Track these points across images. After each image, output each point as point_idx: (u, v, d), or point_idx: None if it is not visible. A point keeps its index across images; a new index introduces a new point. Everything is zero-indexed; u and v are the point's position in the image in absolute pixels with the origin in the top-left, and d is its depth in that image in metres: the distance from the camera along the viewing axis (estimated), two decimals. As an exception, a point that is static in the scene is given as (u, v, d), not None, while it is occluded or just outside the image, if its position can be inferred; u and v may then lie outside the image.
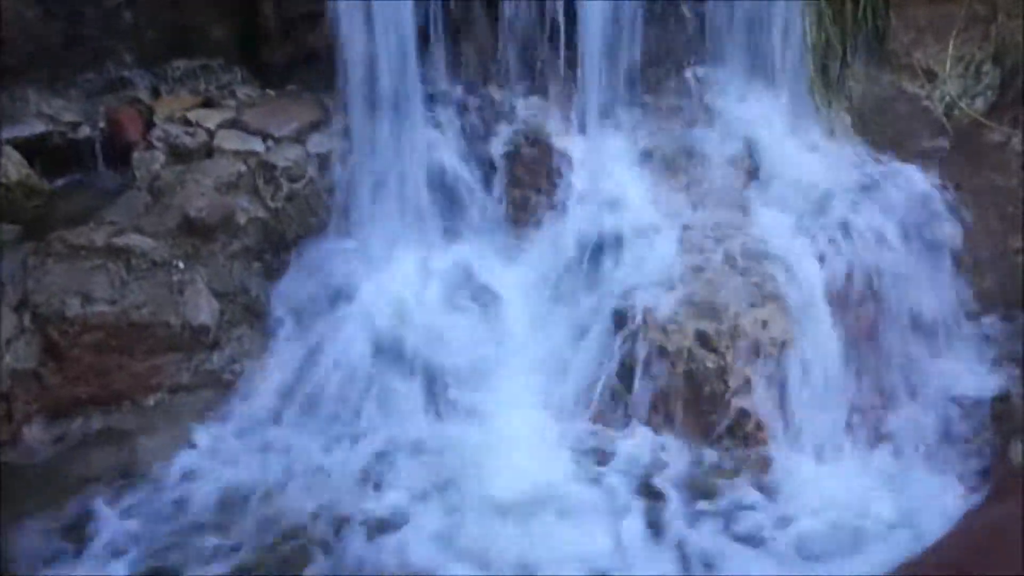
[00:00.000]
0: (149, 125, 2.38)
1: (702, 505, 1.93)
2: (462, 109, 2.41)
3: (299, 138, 2.38)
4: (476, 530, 1.87)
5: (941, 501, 1.91)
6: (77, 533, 1.88)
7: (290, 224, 2.33)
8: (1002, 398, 2.06)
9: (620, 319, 2.12)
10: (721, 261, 2.20)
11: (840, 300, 2.17)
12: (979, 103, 2.53)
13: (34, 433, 2.08)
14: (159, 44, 2.52)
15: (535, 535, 1.86)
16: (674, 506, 1.92)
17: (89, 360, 2.11)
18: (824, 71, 2.45)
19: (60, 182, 2.39)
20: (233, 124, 2.40)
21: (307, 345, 2.21)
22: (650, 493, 1.95)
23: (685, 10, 2.42)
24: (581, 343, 2.16)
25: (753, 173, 2.38)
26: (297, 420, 2.13)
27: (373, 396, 2.14)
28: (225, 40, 2.55)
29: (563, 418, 2.10)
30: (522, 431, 2.07)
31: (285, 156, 2.34)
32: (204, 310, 2.19)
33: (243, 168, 2.32)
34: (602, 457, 2.02)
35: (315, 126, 2.41)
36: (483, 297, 2.27)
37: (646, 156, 2.38)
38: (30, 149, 2.34)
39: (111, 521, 1.90)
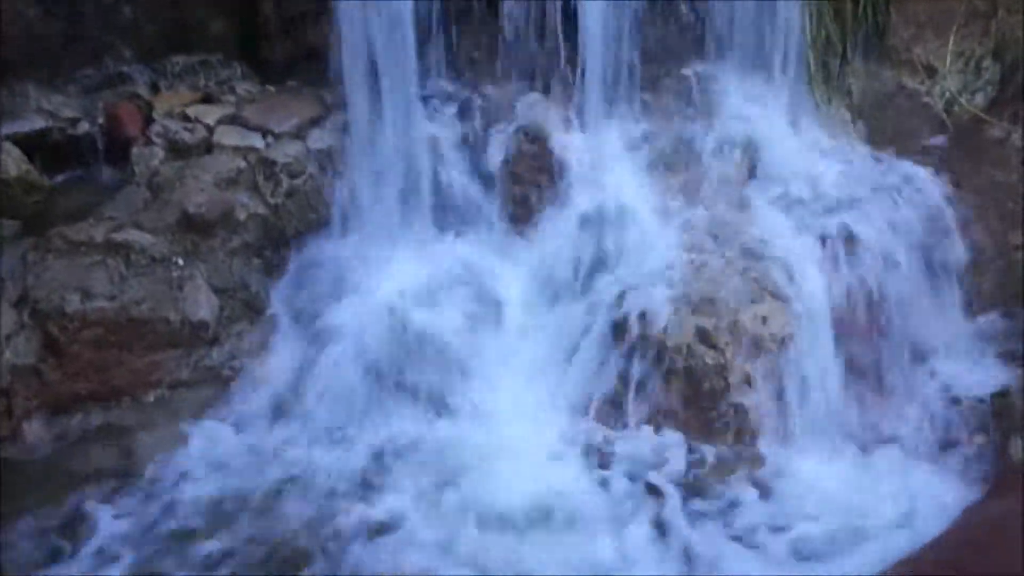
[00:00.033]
0: (148, 121, 2.38)
1: (702, 503, 1.93)
2: (462, 106, 2.41)
3: (299, 134, 2.38)
4: (475, 533, 1.86)
5: (940, 498, 1.91)
6: (72, 533, 1.88)
7: (290, 220, 2.33)
8: (1002, 395, 2.06)
9: (620, 316, 2.12)
10: (720, 258, 2.20)
11: (840, 296, 2.16)
12: (979, 99, 2.53)
13: (34, 429, 2.08)
14: (158, 40, 2.52)
15: (535, 538, 1.86)
16: (674, 504, 1.91)
17: (89, 356, 2.11)
18: (824, 67, 2.45)
19: (59, 178, 2.39)
20: (233, 120, 2.40)
21: (306, 342, 2.21)
22: (650, 492, 1.94)
23: (684, 8, 2.42)
24: (581, 340, 2.15)
25: (752, 170, 2.38)
26: (296, 418, 2.13)
27: (372, 395, 2.14)
28: (224, 36, 2.56)
29: (563, 416, 2.10)
30: (522, 431, 2.07)
31: (285, 152, 2.34)
32: (203, 306, 2.19)
33: (243, 164, 2.32)
34: (602, 456, 2.02)
35: (315, 122, 2.41)
36: (483, 294, 2.27)
37: (646, 153, 2.38)
38: (30, 145, 2.34)
39: (106, 523, 1.89)
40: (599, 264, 2.25)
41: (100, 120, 2.40)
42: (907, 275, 2.24)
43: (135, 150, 2.34)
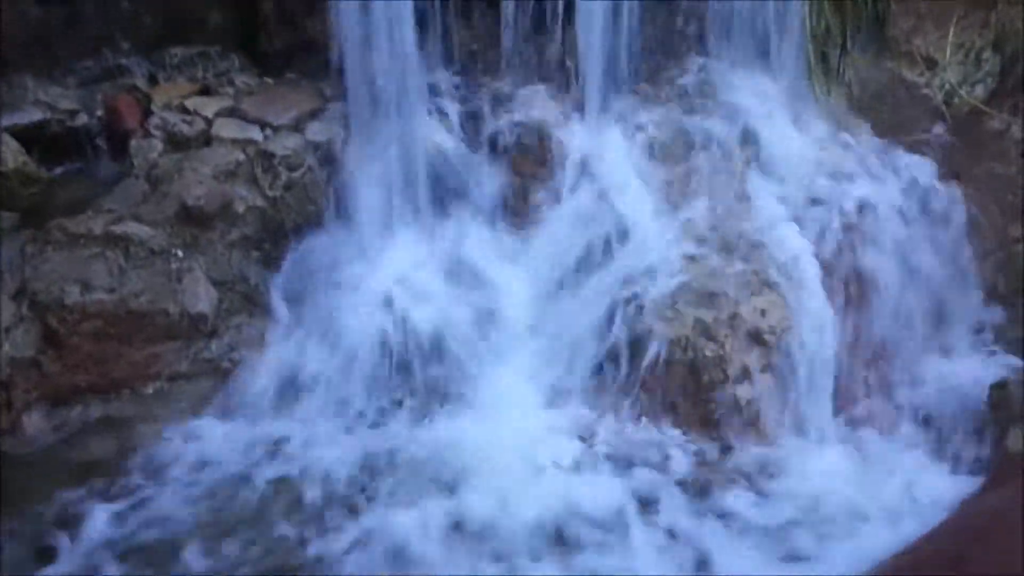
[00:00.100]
0: (147, 113, 2.37)
1: (702, 496, 1.93)
2: (461, 98, 2.41)
3: (297, 126, 2.38)
4: (474, 526, 1.85)
5: (938, 489, 1.91)
6: (63, 531, 1.85)
7: (289, 213, 2.32)
8: (1000, 386, 2.06)
9: (618, 308, 2.12)
10: (720, 249, 2.20)
11: (839, 288, 2.17)
12: (979, 90, 2.52)
13: (34, 421, 2.08)
14: (156, 31, 2.51)
15: (538, 544, 1.84)
16: (674, 497, 1.91)
17: (88, 348, 2.11)
18: (824, 59, 2.45)
19: (58, 170, 2.38)
20: (231, 112, 2.40)
21: (305, 334, 2.21)
22: (650, 485, 1.94)
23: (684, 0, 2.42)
24: (580, 332, 2.15)
25: (752, 161, 2.37)
26: (293, 413, 2.12)
27: (371, 388, 2.14)
28: (223, 27, 2.54)
29: (563, 410, 2.10)
30: (521, 428, 2.06)
31: (283, 145, 2.33)
32: (202, 298, 2.19)
33: (241, 156, 2.32)
34: (602, 451, 2.01)
35: (313, 114, 2.40)
36: (483, 287, 2.27)
37: (645, 145, 2.37)
38: (28, 137, 2.33)
39: (98, 522, 1.87)
40: (598, 257, 2.24)
41: (99, 112, 2.39)
42: (906, 267, 2.24)
43: (134, 142, 2.33)
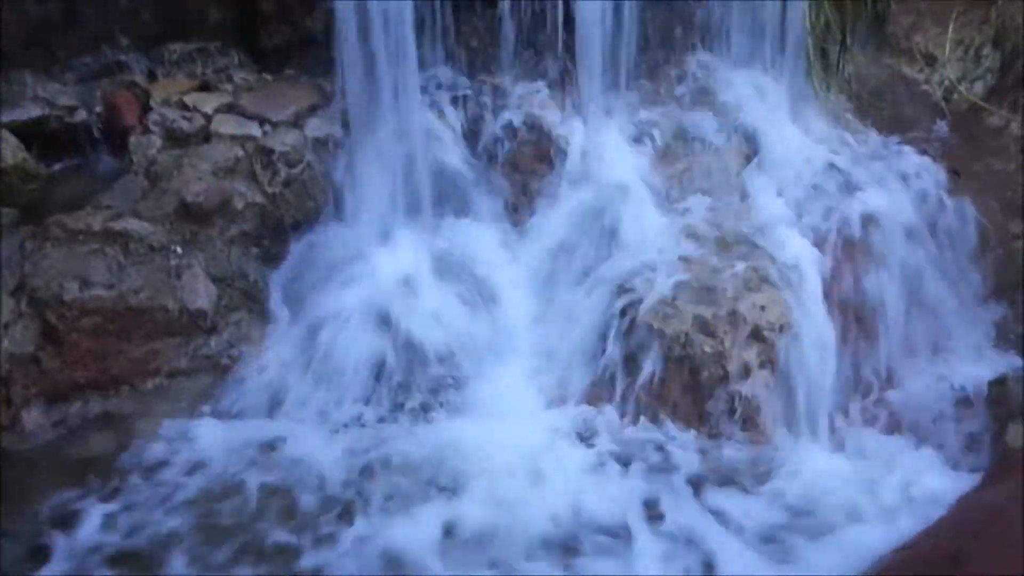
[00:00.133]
0: (146, 109, 2.37)
1: (701, 490, 1.92)
2: (460, 95, 2.41)
3: (297, 123, 2.38)
4: (472, 531, 1.83)
5: (938, 485, 1.90)
6: (58, 530, 1.84)
7: (288, 209, 2.32)
8: (999, 382, 2.06)
9: (618, 305, 2.12)
10: (719, 247, 2.20)
11: (838, 284, 2.17)
12: (978, 87, 2.53)
13: (33, 417, 2.08)
14: (155, 27, 2.50)
15: (537, 542, 1.83)
16: (674, 496, 1.91)
17: (87, 344, 2.11)
18: (823, 55, 2.45)
19: (57, 166, 2.38)
20: (230, 108, 2.39)
21: (305, 331, 2.20)
22: (651, 485, 1.93)
23: (684, -5, 2.42)
24: (579, 329, 2.15)
25: (751, 157, 2.37)
26: (291, 411, 2.11)
27: (370, 387, 2.13)
28: (222, 23, 2.54)
29: (562, 407, 2.10)
30: (520, 426, 2.05)
31: (283, 141, 2.33)
32: (202, 295, 2.19)
33: (240, 153, 2.31)
34: (603, 448, 2.00)
35: (313, 110, 2.40)
36: (481, 283, 2.27)
37: (645, 141, 2.38)
38: (27, 133, 2.33)
39: (92, 523, 1.85)
40: (598, 253, 2.24)
41: (98, 108, 2.39)
42: (905, 263, 2.24)
43: (133, 139, 2.33)
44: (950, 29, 2.48)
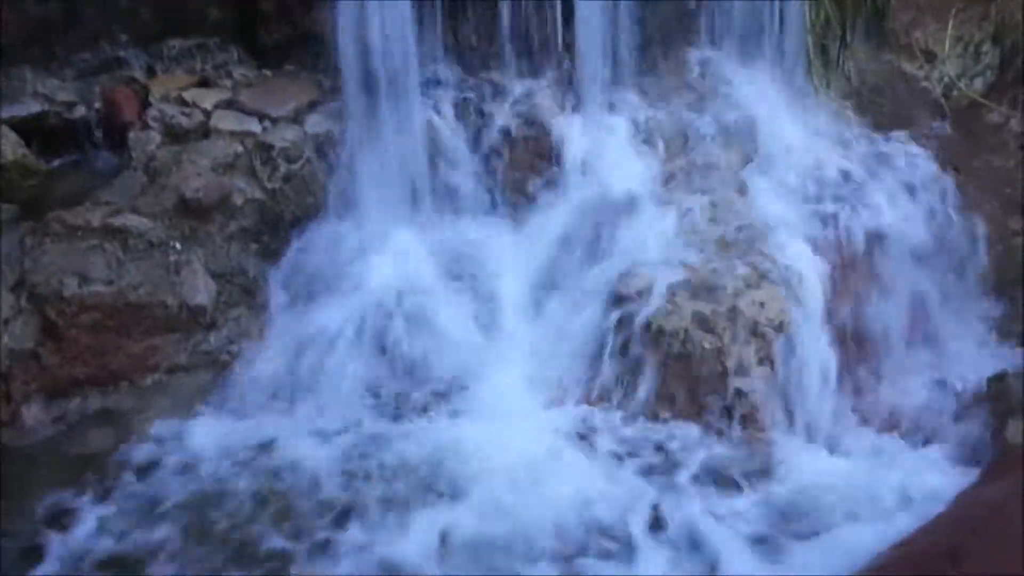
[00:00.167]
0: (145, 105, 2.37)
1: (701, 489, 1.92)
2: (460, 91, 2.40)
3: (296, 119, 2.37)
4: (471, 536, 1.82)
5: (937, 481, 1.90)
6: (53, 529, 1.84)
7: (287, 205, 2.32)
8: (999, 379, 2.06)
9: (617, 301, 2.12)
10: (718, 242, 2.20)
11: (838, 280, 2.17)
12: (978, 83, 2.53)
13: (33, 413, 2.08)
14: (154, 23, 2.50)
15: (538, 543, 1.82)
16: (673, 491, 1.91)
17: (87, 340, 2.11)
18: (823, 51, 2.45)
19: (56, 162, 2.38)
20: (230, 104, 2.39)
21: (304, 327, 2.20)
22: (649, 480, 1.93)
23: (683, -9, 2.42)
24: (578, 326, 2.15)
25: (751, 154, 2.37)
26: (291, 410, 2.10)
27: (369, 384, 2.13)
28: (221, 19, 2.53)
29: (562, 404, 2.09)
30: (520, 424, 2.05)
31: (282, 137, 2.33)
32: (201, 291, 2.19)
33: (240, 149, 2.31)
34: (602, 446, 2.00)
35: (312, 106, 2.40)
36: (480, 280, 2.27)
37: (644, 137, 2.37)
38: (26, 129, 2.33)
39: (88, 527, 1.84)
40: (597, 249, 2.24)
41: (97, 104, 2.39)
42: (905, 260, 2.24)
43: (132, 134, 2.33)
44: (950, 26, 2.48)
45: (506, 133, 2.36)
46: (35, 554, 1.79)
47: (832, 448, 2.04)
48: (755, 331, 2.06)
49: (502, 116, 2.36)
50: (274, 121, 2.36)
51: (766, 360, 2.05)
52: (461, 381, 2.14)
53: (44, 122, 2.37)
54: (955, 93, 2.50)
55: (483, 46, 2.42)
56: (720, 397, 2.04)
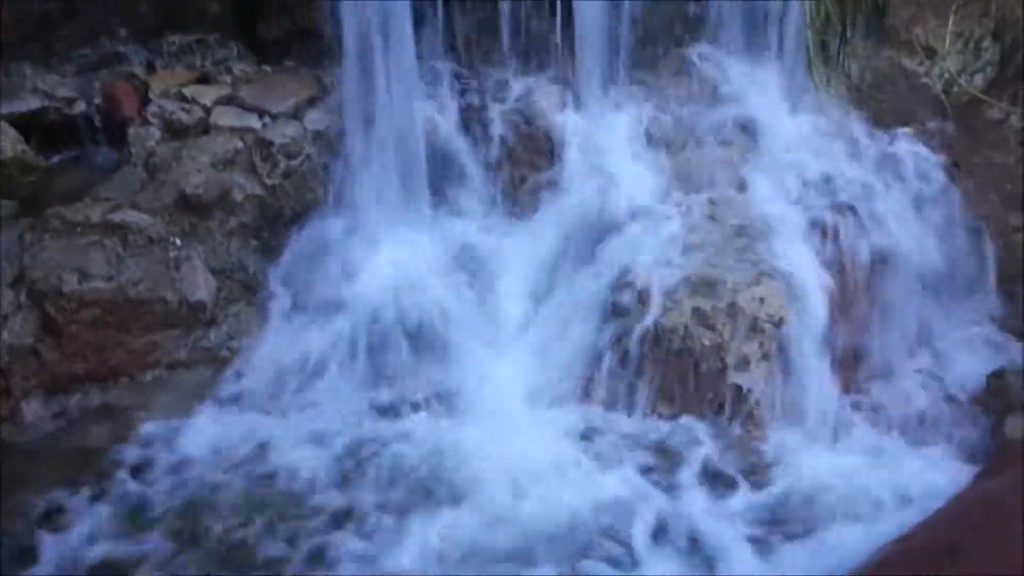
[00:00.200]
0: (145, 101, 2.36)
1: (701, 486, 1.92)
2: (459, 87, 2.40)
3: (296, 114, 2.37)
4: (470, 538, 1.81)
5: (936, 477, 1.91)
6: (45, 528, 1.84)
7: (287, 201, 2.32)
8: (998, 374, 2.07)
9: (617, 297, 2.12)
10: (718, 239, 2.20)
11: (837, 277, 2.16)
12: (978, 80, 2.53)
13: (32, 409, 2.08)
14: (154, 19, 2.49)
15: (538, 544, 1.81)
16: (673, 489, 1.91)
17: (86, 336, 2.11)
18: (823, 48, 2.45)
19: (56, 158, 2.37)
20: (229, 100, 2.39)
21: (304, 323, 2.20)
22: (649, 478, 1.93)
23: (683, -12, 2.42)
24: (578, 324, 2.15)
25: (751, 150, 2.37)
26: (289, 407, 2.10)
27: (368, 382, 2.13)
28: (221, 15, 2.53)
29: (561, 401, 2.10)
30: (520, 422, 2.05)
31: (282, 133, 2.33)
32: (201, 287, 2.19)
33: (240, 145, 2.31)
34: (602, 444, 2.00)
35: (312, 102, 2.40)
36: (479, 277, 2.27)
37: (644, 134, 2.38)
38: (25, 125, 2.32)
39: (82, 529, 1.83)
40: (596, 245, 2.24)
41: (96, 100, 2.38)
42: (905, 256, 2.24)
43: (132, 130, 2.32)
44: (950, 22, 2.48)
45: (506, 130, 2.36)
46: (29, 556, 1.78)
47: (832, 445, 2.04)
48: (755, 327, 2.06)
49: (502, 113, 2.36)
50: (274, 117, 2.36)
51: (766, 356, 2.05)
52: (460, 379, 2.14)
53: (43, 118, 2.36)
54: (955, 89, 2.50)
55: (483, 43, 2.42)
56: (719, 392, 2.04)
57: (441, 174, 2.34)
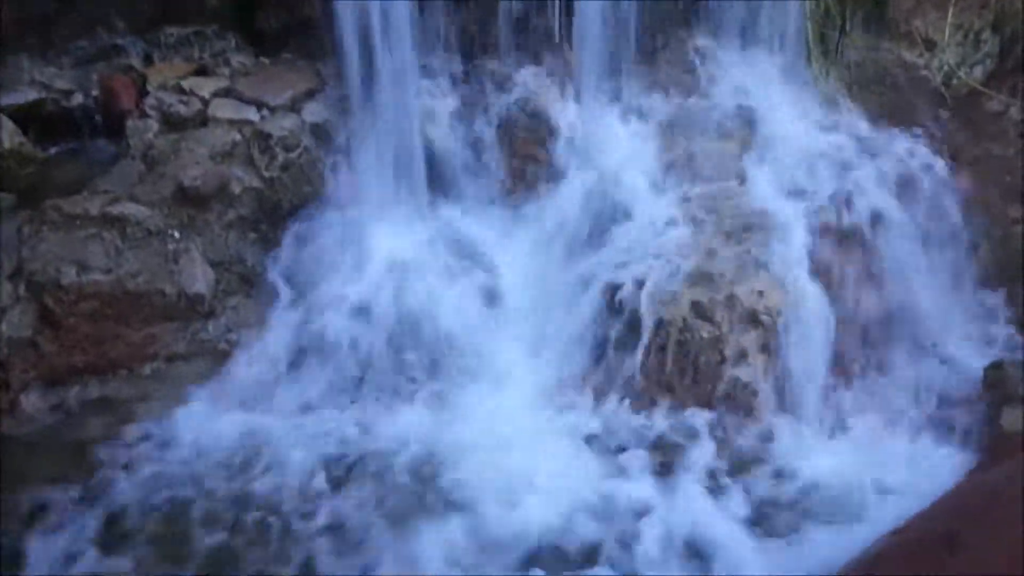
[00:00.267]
0: (143, 93, 2.36)
1: (700, 478, 1.93)
2: (459, 79, 2.40)
3: (294, 107, 2.37)
4: (470, 538, 1.81)
5: (935, 468, 1.91)
6: (42, 534, 1.82)
7: (285, 193, 2.32)
8: (996, 366, 2.07)
9: (616, 289, 2.12)
10: (716, 231, 2.20)
11: (836, 269, 2.16)
12: (978, 72, 2.52)
13: (31, 401, 2.08)
14: (152, 11, 2.50)
15: (535, 539, 1.82)
16: (673, 482, 1.91)
17: (85, 329, 2.11)
18: (823, 40, 2.44)
19: (53, 150, 2.37)
20: (227, 92, 2.39)
21: (302, 315, 2.21)
22: (648, 471, 1.94)
23: (683, -20, 2.42)
24: (576, 316, 2.15)
25: (750, 142, 2.37)
26: (288, 403, 2.10)
27: (366, 376, 2.13)
28: (219, 7, 2.53)
29: (559, 393, 2.10)
30: (519, 415, 2.05)
31: (280, 125, 2.33)
32: (199, 279, 2.19)
33: (238, 137, 2.31)
34: (602, 440, 2.00)
35: (310, 95, 2.40)
36: (478, 268, 2.27)
37: (643, 126, 2.37)
38: (24, 117, 2.32)
39: (78, 530, 1.82)
40: (595, 237, 2.24)
41: (94, 92, 2.38)
42: (905, 248, 2.24)
43: (130, 123, 2.32)
44: (949, 14, 2.47)
45: (505, 122, 2.36)
46: (22, 557, 1.77)
47: (829, 437, 2.05)
48: (753, 319, 2.06)
49: (501, 105, 2.36)
50: (272, 109, 2.36)
51: (764, 348, 2.06)
52: (459, 372, 2.14)
53: (41, 110, 2.36)
54: (955, 81, 2.49)
55: (483, 35, 2.42)
56: (718, 385, 2.05)
57: (439, 165, 2.34)
